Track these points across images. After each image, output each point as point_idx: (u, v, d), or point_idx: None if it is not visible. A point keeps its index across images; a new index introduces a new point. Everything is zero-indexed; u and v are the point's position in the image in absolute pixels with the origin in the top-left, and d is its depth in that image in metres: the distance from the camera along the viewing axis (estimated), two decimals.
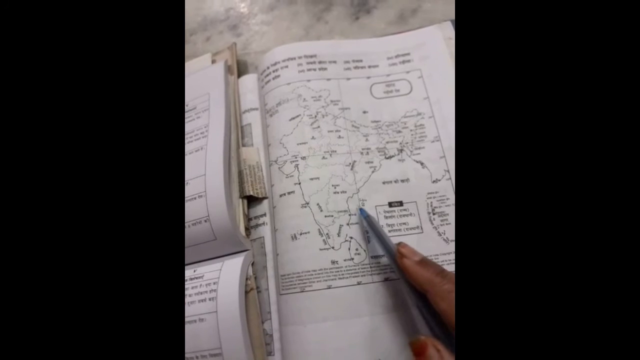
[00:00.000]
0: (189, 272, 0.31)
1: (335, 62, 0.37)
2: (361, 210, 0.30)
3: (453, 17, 0.38)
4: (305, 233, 0.30)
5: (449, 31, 0.37)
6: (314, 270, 0.29)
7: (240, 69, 0.41)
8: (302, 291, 0.29)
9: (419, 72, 0.36)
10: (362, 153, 0.33)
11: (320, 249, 0.30)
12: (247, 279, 0.30)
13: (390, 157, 0.33)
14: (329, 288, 0.28)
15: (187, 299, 0.29)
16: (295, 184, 0.32)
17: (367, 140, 0.33)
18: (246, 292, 0.29)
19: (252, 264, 0.31)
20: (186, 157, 0.34)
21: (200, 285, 0.29)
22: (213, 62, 0.42)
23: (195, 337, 0.27)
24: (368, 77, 0.36)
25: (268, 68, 0.37)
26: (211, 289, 0.29)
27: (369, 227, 0.29)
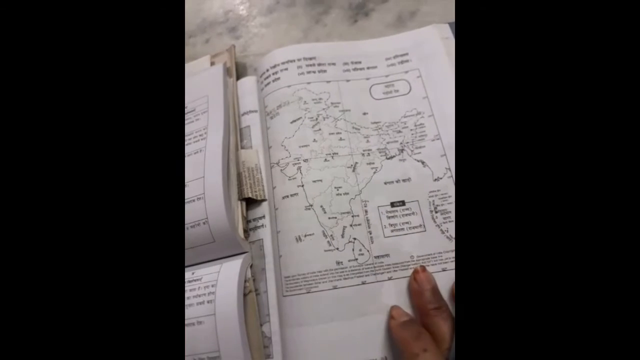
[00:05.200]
0: (187, 275, 0.30)
1: (334, 64, 0.37)
2: None
3: (451, 20, 0.38)
4: (310, 235, 0.30)
5: (446, 31, 0.37)
6: (319, 272, 0.29)
7: (239, 71, 0.41)
8: (309, 292, 0.29)
9: (418, 72, 0.36)
10: (363, 154, 0.33)
11: (325, 250, 0.29)
12: (245, 281, 0.29)
13: (391, 157, 0.32)
14: (335, 288, 0.28)
15: (185, 302, 0.28)
16: (298, 186, 0.32)
17: (367, 141, 0.33)
18: (245, 295, 0.29)
19: (251, 266, 0.31)
20: (185, 159, 0.33)
21: (199, 287, 0.29)
22: (212, 64, 0.41)
23: (193, 340, 0.27)
24: (367, 79, 0.36)
25: (267, 70, 0.37)
26: (209, 292, 0.28)
27: None
